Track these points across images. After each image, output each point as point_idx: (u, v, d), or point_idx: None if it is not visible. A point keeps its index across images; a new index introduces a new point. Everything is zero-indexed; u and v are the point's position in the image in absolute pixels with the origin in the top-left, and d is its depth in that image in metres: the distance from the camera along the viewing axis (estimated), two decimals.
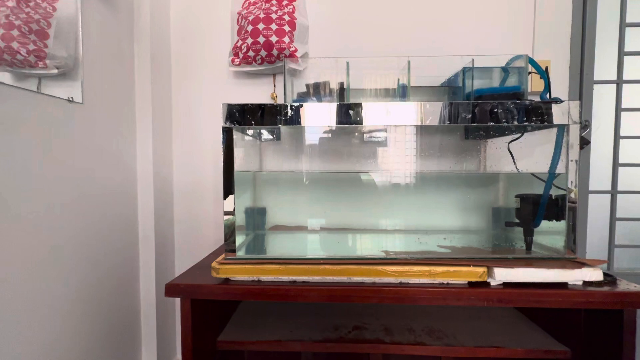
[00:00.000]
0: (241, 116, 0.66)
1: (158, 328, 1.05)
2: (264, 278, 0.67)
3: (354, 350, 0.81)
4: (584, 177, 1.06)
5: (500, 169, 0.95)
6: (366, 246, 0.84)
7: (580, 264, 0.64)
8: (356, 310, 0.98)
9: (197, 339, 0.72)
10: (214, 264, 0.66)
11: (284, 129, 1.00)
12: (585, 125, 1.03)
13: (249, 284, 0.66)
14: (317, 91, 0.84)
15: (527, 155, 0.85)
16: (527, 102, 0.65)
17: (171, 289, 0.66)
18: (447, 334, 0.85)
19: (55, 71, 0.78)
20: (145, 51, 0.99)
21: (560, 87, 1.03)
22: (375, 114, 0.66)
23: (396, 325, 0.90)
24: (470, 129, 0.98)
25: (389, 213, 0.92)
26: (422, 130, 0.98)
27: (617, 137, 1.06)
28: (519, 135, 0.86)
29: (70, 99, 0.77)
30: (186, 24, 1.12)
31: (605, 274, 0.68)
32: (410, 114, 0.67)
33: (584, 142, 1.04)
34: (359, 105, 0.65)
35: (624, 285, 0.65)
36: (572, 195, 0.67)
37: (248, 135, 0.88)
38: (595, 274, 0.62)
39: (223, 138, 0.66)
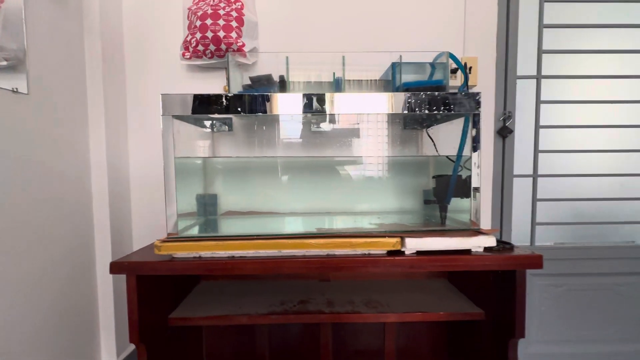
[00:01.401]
0: (180, 106, 0.72)
1: (116, 313, 1.09)
2: (204, 254, 0.73)
3: (296, 321, 0.89)
4: (509, 163, 1.18)
5: (434, 155, 1.05)
6: (304, 226, 0.92)
7: (479, 233, 0.74)
8: (304, 288, 1.06)
9: (145, 315, 0.77)
10: (156, 242, 0.71)
11: (231, 118, 1.06)
12: (508, 116, 1.15)
13: (190, 260, 0.73)
14: (259, 83, 0.90)
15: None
16: (435, 93, 0.74)
17: (116, 267, 0.71)
18: (383, 303, 0.95)
19: (5, 63, 0.80)
20: (96, 44, 1.02)
21: (487, 81, 1.14)
22: (294, 104, 0.74)
23: (338, 299, 0.98)
24: (407, 120, 1.07)
25: (330, 197, 1.00)
26: (365, 120, 1.06)
27: (537, 127, 1.19)
28: (447, 123, 0.96)
29: (15, 90, 0.79)
30: (139, 18, 1.14)
31: (504, 242, 0.79)
32: (351, 104, 0.74)
33: (508, 131, 1.16)
34: (274, 96, 0.72)
35: (517, 251, 0.76)
36: (476, 175, 0.77)
37: (191, 123, 0.93)
38: (489, 241, 0.72)
39: (162, 127, 0.71)
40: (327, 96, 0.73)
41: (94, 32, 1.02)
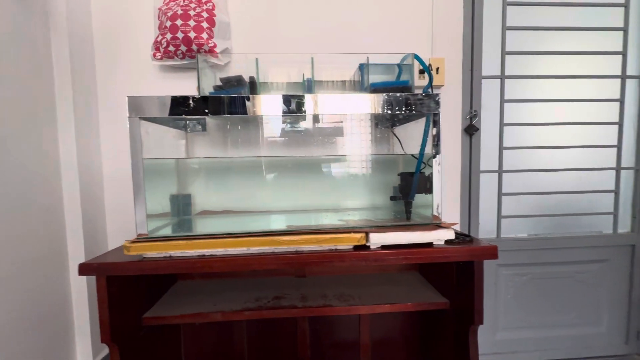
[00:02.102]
0: (146, 108, 0.72)
1: (91, 315, 1.08)
2: (175, 253, 0.74)
3: (270, 316, 0.91)
4: (475, 159, 1.24)
5: (401, 153, 1.09)
6: (276, 223, 0.94)
7: (439, 227, 0.79)
8: (280, 284, 1.09)
9: (117, 316, 0.78)
10: (125, 243, 0.72)
11: (205, 118, 1.07)
12: (474, 114, 1.21)
13: (160, 259, 0.74)
14: (229, 84, 0.91)
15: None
16: (397, 94, 0.78)
17: (84, 268, 0.72)
18: (354, 297, 0.99)
19: None
20: (63, 44, 1.00)
21: (454, 81, 1.19)
22: (272, 105, 0.76)
23: (312, 294, 1.01)
24: (378, 119, 1.10)
25: (302, 195, 1.02)
26: (336, 120, 1.09)
27: (502, 125, 1.25)
28: (414, 122, 1.00)
29: None
30: (109, 17, 1.13)
31: (464, 235, 0.84)
32: (318, 105, 0.76)
33: (474, 129, 1.21)
34: (247, 97, 0.74)
35: (476, 243, 0.80)
36: (437, 172, 0.81)
37: (163, 124, 0.94)
38: (447, 234, 0.77)
39: (129, 129, 0.72)
40: (296, 97, 0.75)
41: (61, 32, 1.00)
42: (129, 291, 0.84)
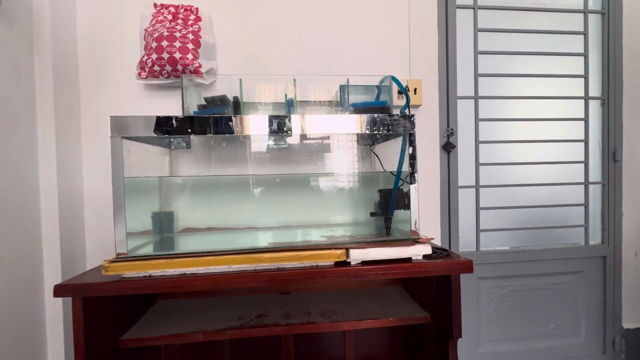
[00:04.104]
0: (129, 128, 0.73)
1: (66, 338, 1.04)
2: (155, 273, 0.74)
3: (252, 335, 0.91)
4: (453, 175, 1.29)
5: (386, 170, 1.13)
6: (259, 240, 0.95)
7: (417, 242, 0.81)
8: (264, 302, 1.08)
9: (93, 338, 0.76)
10: (103, 263, 0.71)
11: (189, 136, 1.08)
12: (451, 132, 1.26)
13: (140, 279, 0.73)
14: (213, 104, 0.93)
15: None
16: (375, 115, 0.81)
17: (60, 290, 0.70)
18: (337, 313, 0.99)
19: None
20: (47, 62, 1.01)
21: (431, 101, 1.25)
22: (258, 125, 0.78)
23: (296, 311, 1.01)
24: (358, 138, 1.14)
25: (285, 212, 1.04)
26: (319, 139, 1.12)
27: (477, 142, 1.31)
28: (393, 140, 1.04)
29: None
30: (95, 37, 1.14)
31: (442, 249, 0.87)
32: (298, 125, 0.79)
33: (451, 146, 1.27)
34: (230, 117, 0.76)
35: (453, 257, 0.83)
36: (414, 189, 0.84)
37: (147, 142, 0.94)
38: (425, 249, 0.79)
39: (111, 149, 0.73)
40: (278, 117, 0.78)
41: (45, 51, 1.01)
42: (107, 312, 0.82)
